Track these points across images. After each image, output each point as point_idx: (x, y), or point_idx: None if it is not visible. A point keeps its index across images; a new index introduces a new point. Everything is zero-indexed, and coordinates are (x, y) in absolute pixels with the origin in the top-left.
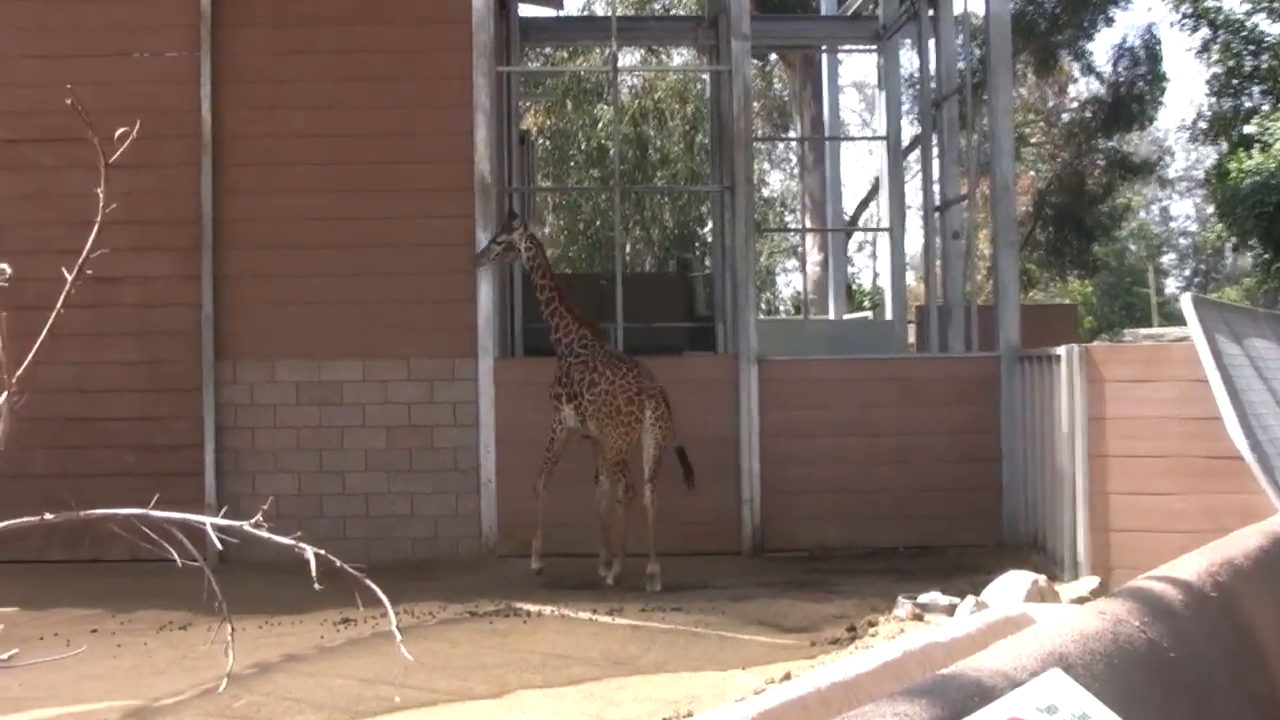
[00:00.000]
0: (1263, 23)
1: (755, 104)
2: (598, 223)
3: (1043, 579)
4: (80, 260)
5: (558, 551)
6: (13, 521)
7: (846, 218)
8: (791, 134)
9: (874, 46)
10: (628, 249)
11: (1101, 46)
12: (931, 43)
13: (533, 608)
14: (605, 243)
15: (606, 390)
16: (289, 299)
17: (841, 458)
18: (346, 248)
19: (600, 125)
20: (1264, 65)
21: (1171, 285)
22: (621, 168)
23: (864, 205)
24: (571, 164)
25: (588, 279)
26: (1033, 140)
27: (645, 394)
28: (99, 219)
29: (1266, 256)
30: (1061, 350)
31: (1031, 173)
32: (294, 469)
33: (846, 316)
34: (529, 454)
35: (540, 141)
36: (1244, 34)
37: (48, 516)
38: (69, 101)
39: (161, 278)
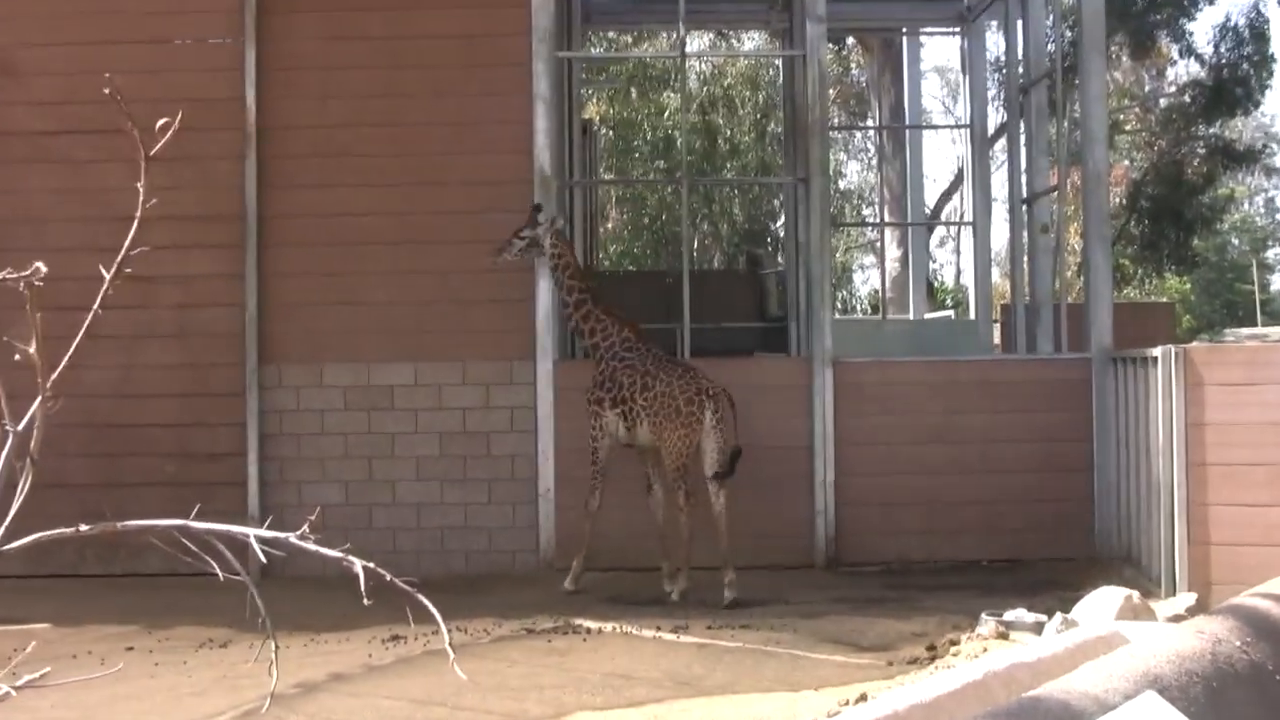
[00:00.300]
0: None
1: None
2: (663, 217)
3: (1136, 595)
4: (119, 258)
5: (620, 566)
6: (46, 533)
7: (927, 211)
8: (869, 122)
9: (957, 29)
10: (695, 245)
11: (1202, 26)
12: (1019, 24)
13: (593, 625)
14: (671, 238)
15: (664, 392)
16: (337, 299)
17: (922, 467)
18: (398, 244)
19: (667, 114)
20: None
21: (1277, 282)
22: (689, 159)
23: (946, 198)
24: (636, 155)
25: (652, 277)
26: (1127, 127)
27: (705, 394)
28: (138, 215)
29: None
30: (1158, 351)
31: (1126, 162)
32: (342, 478)
33: (927, 316)
34: (584, 461)
35: (603, 132)
36: None
37: (83, 528)
38: (106, 91)
39: (203, 277)
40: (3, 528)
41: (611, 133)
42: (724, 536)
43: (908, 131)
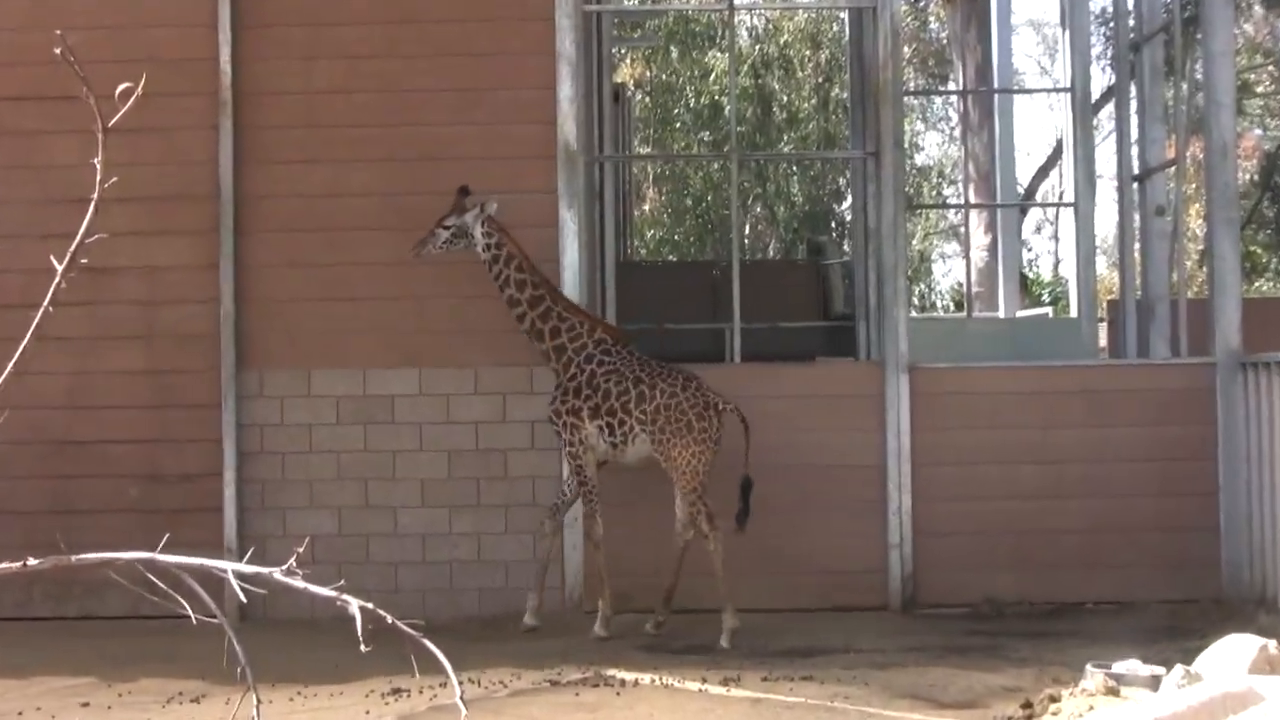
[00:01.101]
0: None
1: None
2: (709, 198)
3: (1273, 645)
4: (72, 247)
5: (651, 608)
6: None
7: (1020, 190)
8: (951, 86)
9: None
10: (747, 231)
11: None
12: None
13: (628, 675)
14: (719, 223)
15: (669, 404)
16: (329, 294)
17: (1014, 490)
18: (400, 231)
19: (713, 77)
20: None
21: None
22: (739, 130)
23: (1043, 174)
24: (677, 126)
25: (697, 269)
26: (1259, 90)
27: (716, 410)
28: (95, 195)
29: None
30: None
31: (1257, 131)
32: (334, 503)
33: (1020, 314)
34: (625, 481)
35: (639, 98)
36: None
37: (30, 562)
38: (58, 50)
39: (171, 268)
40: None
41: (648, 99)
42: (678, 572)
43: (997, 96)
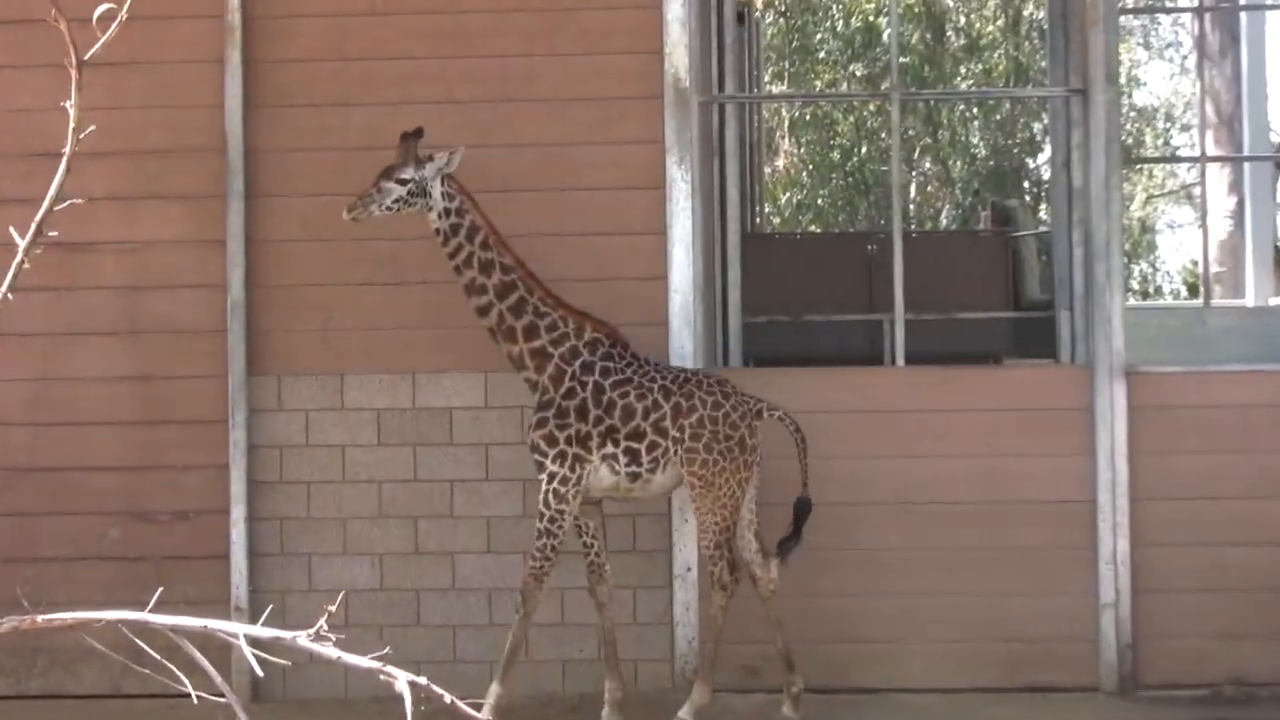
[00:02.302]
0: None
1: None
2: (862, 150)
3: None
4: (39, 216)
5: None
6: None
7: (1276, 139)
8: (1183, 3)
9: None
10: (912, 193)
11: None
12: None
13: None
14: (876, 183)
15: (713, 417)
16: (368, 277)
17: (1267, 534)
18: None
19: None
20: None
21: None
22: (902, 61)
23: None
24: (820, 57)
25: (846, 243)
26: None
27: (758, 416)
28: (68, 149)
29: None
30: None
31: None
32: (374, 549)
33: (1275, 301)
34: (762, 524)
35: (770, 22)
36: None
37: None
38: None
39: (163, 243)
40: None
41: (783, 21)
42: (780, 628)
43: (1244, 16)
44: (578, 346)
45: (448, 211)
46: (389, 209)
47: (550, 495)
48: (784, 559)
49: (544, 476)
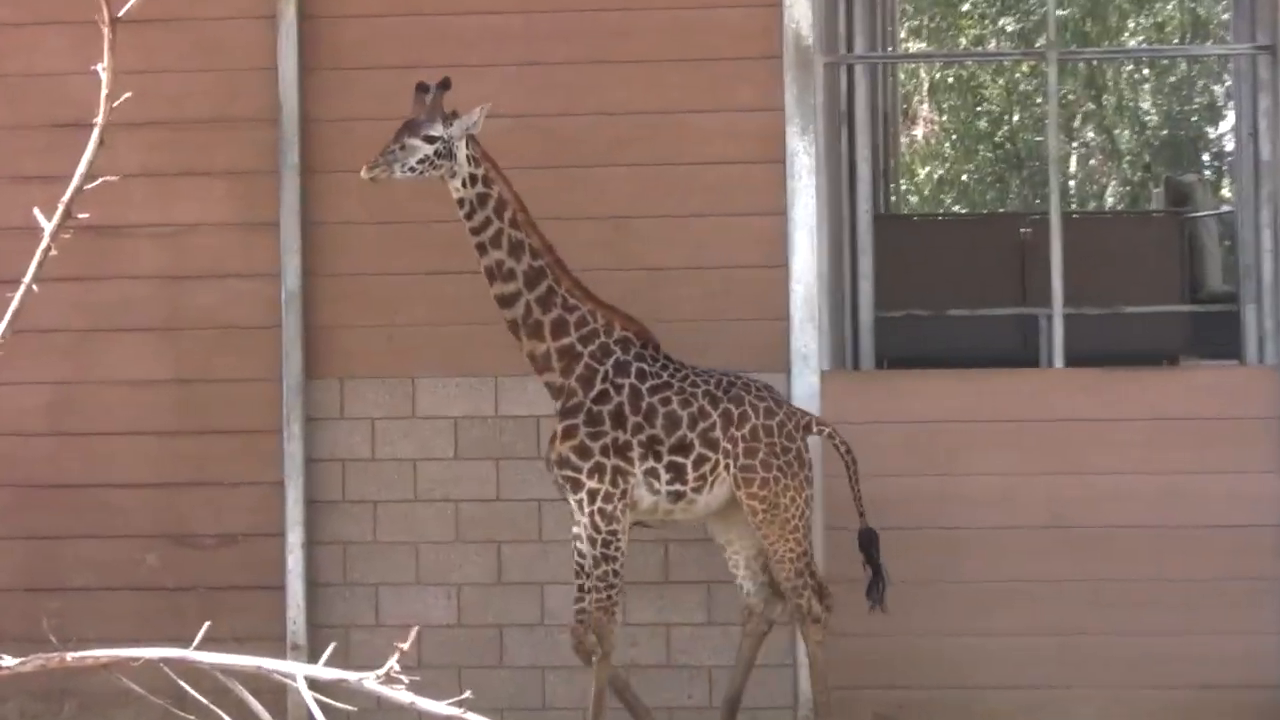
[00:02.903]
0: None
1: None
2: (1014, 118)
3: None
4: (67, 195)
5: None
6: None
7: None
8: None
9: None
10: (1072, 166)
11: None
12: None
13: None
14: (1030, 156)
15: (767, 426)
16: (442, 265)
17: None
18: (542, 170)
19: None
20: None
21: None
22: (1060, 15)
23: None
24: (965, 10)
25: (997, 225)
26: None
27: (809, 430)
28: (100, 119)
29: None
30: None
31: None
32: (451, 578)
33: None
34: (888, 551)
35: None
36: None
37: (5, 663)
38: None
39: (207, 227)
40: None
41: None
42: (747, 672)
43: None
44: (609, 344)
45: (474, 179)
46: (412, 170)
47: (597, 516)
48: (882, 606)
49: (581, 497)
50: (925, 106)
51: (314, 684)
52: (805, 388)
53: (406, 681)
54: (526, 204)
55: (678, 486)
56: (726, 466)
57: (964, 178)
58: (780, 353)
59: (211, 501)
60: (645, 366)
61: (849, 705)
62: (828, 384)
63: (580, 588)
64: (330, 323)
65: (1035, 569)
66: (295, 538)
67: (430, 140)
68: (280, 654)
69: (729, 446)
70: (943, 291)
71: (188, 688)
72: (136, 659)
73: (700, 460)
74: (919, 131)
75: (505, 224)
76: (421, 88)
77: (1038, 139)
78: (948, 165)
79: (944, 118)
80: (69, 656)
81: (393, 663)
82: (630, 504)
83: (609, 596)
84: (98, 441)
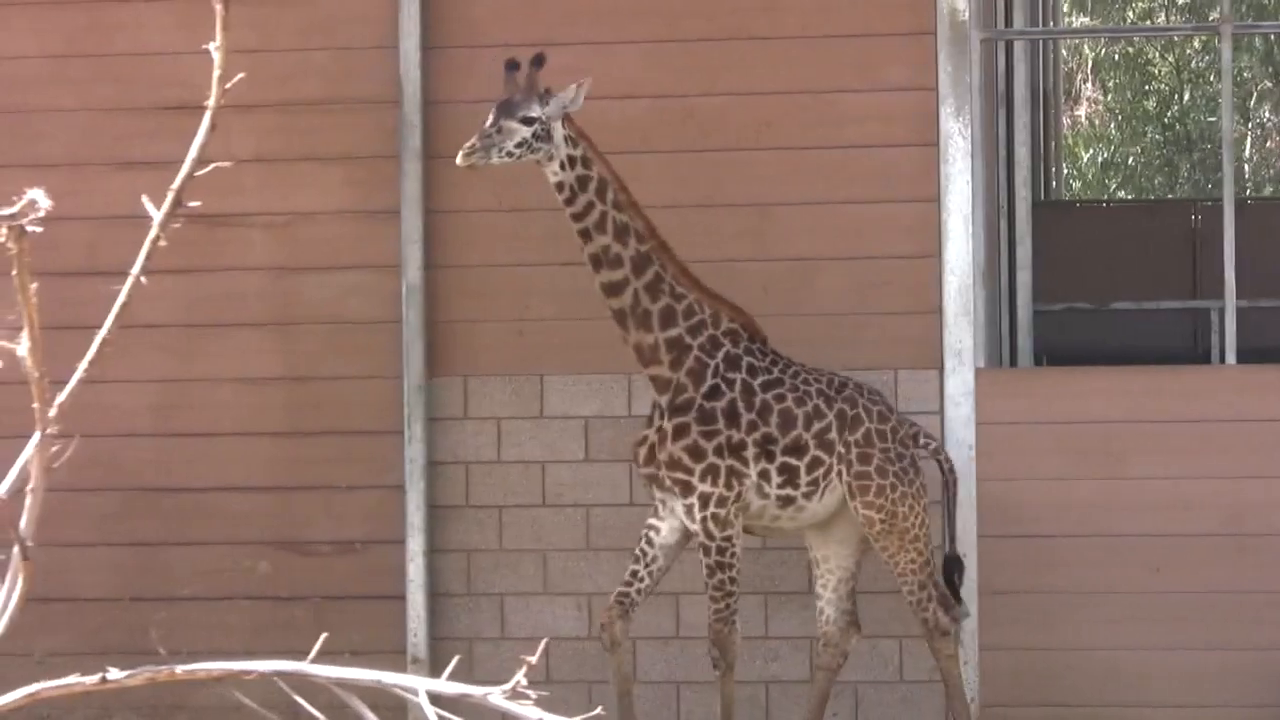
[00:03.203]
0: None
1: None
2: (1185, 97)
3: None
4: (176, 183)
5: None
6: (46, 684)
7: None
8: None
9: None
10: (1248, 150)
11: None
12: None
13: None
14: (1202, 138)
15: (881, 432)
16: (572, 255)
17: None
18: (690, 154)
19: None
20: None
21: None
22: None
23: None
24: None
25: (1164, 213)
26: None
27: (913, 442)
28: (212, 102)
29: None
30: None
31: None
32: (581, 587)
33: None
34: (1046, 560)
35: None
36: None
37: (113, 675)
38: None
39: (323, 215)
40: None
41: None
42: (956, 693)
43: None
44: (717, 336)
45: (572, 161)
46: (510, 155)
47: (710, 522)
48: (956, 622)
49: (692, 501)
50: (1089, 85)
51: (436, 699)
52: (959, 385)
53: (534, 697)
54: (663, 190)
55: (789, 491)
56: (839, 473)
57: (1130, 161)
58: (932, 348)
59: (327, 507)
60: (755, 361)
61: None
62: (982, 381)
63: (632, 573)
64: (454, 317)
65: (1209, 580)
66: (416, 545)
67: (528, 122)
68: (400, 668)
69: (843, 451)
70: (1106, 283)
71: (303, 702)
72: (249, 672)
73: (815, 463)
74: (1082, 112)
75: (609, 206)
76: (511, 64)
77: (1210, 119)
78: (1113, 148)
79: (1109, 97)
80: (179, 669)
81: (520, 677)
82: (742, 507)
83: (727, 606)
84: (206, 443)
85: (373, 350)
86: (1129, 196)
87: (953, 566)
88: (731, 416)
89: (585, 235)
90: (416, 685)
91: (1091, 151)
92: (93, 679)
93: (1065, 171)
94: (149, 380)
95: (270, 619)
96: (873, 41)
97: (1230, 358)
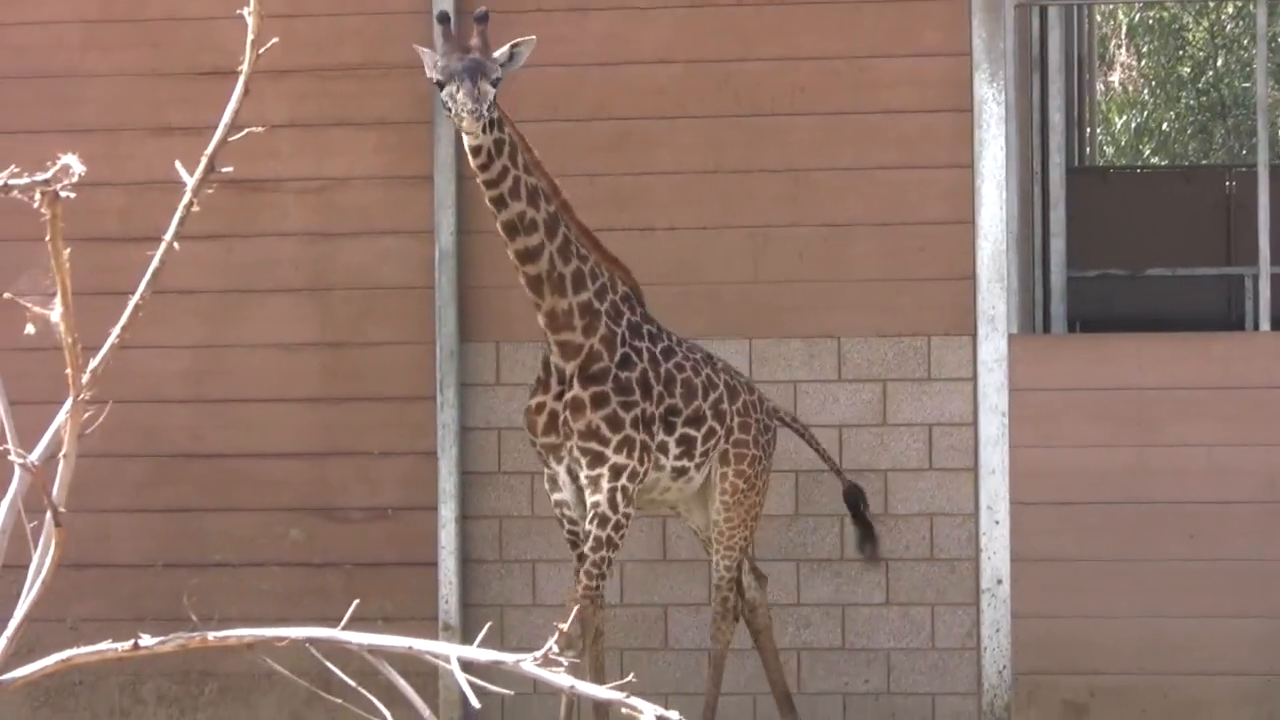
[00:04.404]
0: None
1: None
2: (1219, 63)
3: None
4: (211, 147)
5: None
6: (79, 651)
7: None
8: None
9: None
10: None
11: None
12: None
13: None
14: (1236, 104)
15: (752, 403)
16: (607, 220)
17: None
18: (725, 119)
19: None
20: None
21: None
22: None
23: None
24: None
25: (1198, 179)
26: None
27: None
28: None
29: None
30: None
31: None
32: (633, 554)
33: None
34: (1079, 527)
35: None
36: None
37: (145, 641)
38: None
39: (356, 180)
40: (4, 639)
41: None
42: (777, 665)
43: None
44: (617, 302)
45: (492, 123)
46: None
47: (618, 495)
48: (876, 557)
49: (601, 472)
50: (1123, 51)
51: (468, 666)
52: (992, 351)
53: (565, 664)
54: (698, 155)
55: (684, 462)
56: (726, 442)
57: (1164, 127)
58: (965, 315)
59: (360, 473)
60: (652, 329)
61: (1036, 692)
62: (1016, 348)
63: (580, 557)
64: (486, 283)
65: (1246, 547)
66: (448, 511)
67: (495, 84)
68: (432, 634)
69: (730, 422)
70: (1140, 250)
71: (335, 669)
72: (281, 639)
73: (709, 434)
74: (1116, 78)
75: (520, 170)
76: (482, 16)
77: (1244, 85)
78: (1147, 114)
79: (1143, 63)
80: (211, 636)
81: (551, 644)
82: (658, 478)
83: (597, 587)
84: (240, 409)
85: (405, 316)
86: (1163, 162)
87: (853, 494)
88: (645, 388)
89: (500, 202)
90: (448, 652)
91: (1125, 117)
92: (125, 645)
93: (1099, 137)
94: (183, 346)
95: (302, 585)
96: (907, 6)
97: (1264, 324)
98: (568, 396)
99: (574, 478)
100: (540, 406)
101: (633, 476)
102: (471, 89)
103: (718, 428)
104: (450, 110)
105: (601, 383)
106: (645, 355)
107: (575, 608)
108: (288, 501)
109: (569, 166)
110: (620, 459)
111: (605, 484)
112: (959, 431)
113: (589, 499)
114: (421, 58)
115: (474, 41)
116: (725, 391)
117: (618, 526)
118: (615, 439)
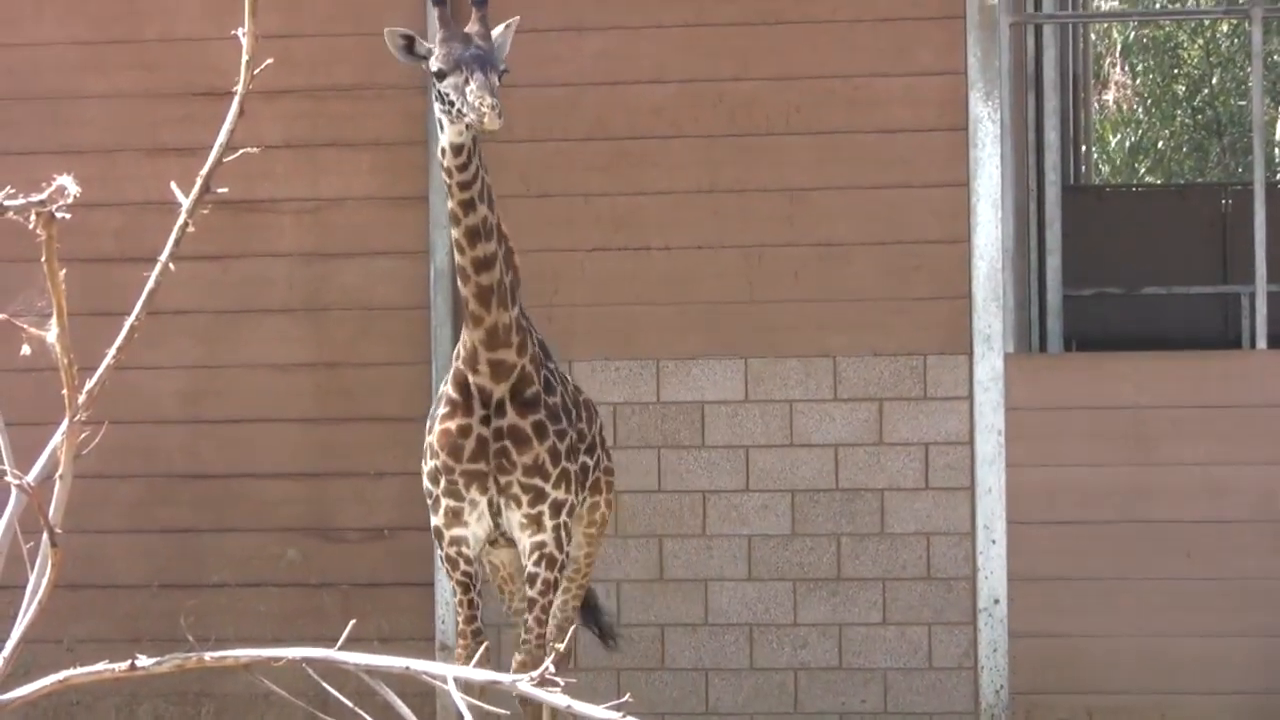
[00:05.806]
0: None
1: None
2: (1215, 81)
3: None
4: (206, 168)
5: None
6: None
7: None
8: None
9: None
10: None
11: None
12: None
13: None
14: (1232, 122)
15: (602, 427)
16: (603, 240)
17: None
18: (721, 139)
19: None
20: None
21: None
22: None
23: None
24: None
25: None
26: None
27: None
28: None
29: None
30: None
31: None
32: (609, 574)
33: None
34: (1076, 546)
35: None
36: None
37: (141, 663)
38: None
39: (352, 201)
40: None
41: None
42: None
43: None
44: (526, 316)
45: (462, 127)
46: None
47: (562, 532)
48: (615, 643)
49: (544, 509)
50: (1118, 69)
51: (465, 686)
52: (988, 371)
53: (562, 684)
54: (694, 174)
55: (575, 492)
56: (596, 465)
57: (1159, 145)
58: (961, 333)
59: (356, 493)
60: (542, 341)
61: (1034, 712)
62: (1012, 367)
63: (469, 604)
64: None
65: (1243, 566)
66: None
67: (501, 75)
68: (429, 654)
69: (600, 448)
70: (1136, 268)
71: (331, 689)
72: (278, 659)
73: (598, 461)
74: (1111, 96)
75: (484, 170)
76: (439, 1)
77: (1240, 103)
78: (1142, 132)
79: (1138, 81)
80: (207, 656)
81: (548, 664)
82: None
83: (544, 634)
84: (236, 429)
85: (401, 336)
86: (1158, 181)
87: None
88: (567, 413)
89: (469, 206)
90: (445, 672)
91: (1120, 136)
92: (122, 666)
93: (1094, 156)
94: (179, 366)
95: (299, 606)
96: (902, 26)
97: (1261, 342)
98: (503, 424)
99: (495, 512)
100: (465, 429)
101: (570, 511)
102: (485, 81)
103: (603, 456)
104: (453, 104)
105: (537, 410)
106: (557, 376)
107: (571, 628)
108: (284, 522)
109: (564, 185)
110: (559, 494)
111: (548, 521)
112: (955, 451)
113: (529, 538)
114: (404, 39)
115: (473, 28)
116: (599, 416)
117: (563, 568)
118: (555, 473)
